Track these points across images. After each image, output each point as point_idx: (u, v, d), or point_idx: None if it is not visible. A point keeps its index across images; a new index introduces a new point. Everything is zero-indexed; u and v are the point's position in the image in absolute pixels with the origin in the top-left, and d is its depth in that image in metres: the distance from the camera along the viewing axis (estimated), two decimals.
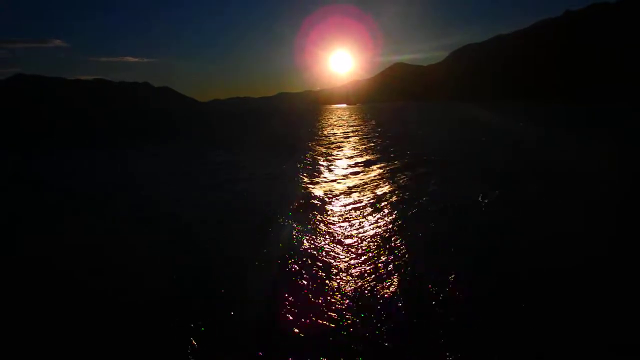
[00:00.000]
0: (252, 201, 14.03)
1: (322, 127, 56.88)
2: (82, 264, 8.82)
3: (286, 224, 11.23)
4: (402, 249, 9.01)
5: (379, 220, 11.20)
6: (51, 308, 6.98)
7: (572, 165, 18.45)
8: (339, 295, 7.05)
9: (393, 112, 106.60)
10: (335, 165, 21.53)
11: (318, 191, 15.25)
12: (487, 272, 7.80)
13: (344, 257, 8.77)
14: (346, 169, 20.35)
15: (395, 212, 11.97)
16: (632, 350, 5.42)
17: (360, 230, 10.53)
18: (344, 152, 27.49)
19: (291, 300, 6.96)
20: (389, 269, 8.02)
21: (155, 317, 6.60)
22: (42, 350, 5.89)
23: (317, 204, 13.36)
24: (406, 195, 13.90)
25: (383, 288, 7.23)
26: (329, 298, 6.98)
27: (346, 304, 6.77)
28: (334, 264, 8.42)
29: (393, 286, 7.29)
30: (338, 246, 9.43)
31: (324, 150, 28.93)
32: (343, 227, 10.85)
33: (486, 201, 12.78)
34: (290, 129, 56.86)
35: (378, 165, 20.61)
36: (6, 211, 13.96)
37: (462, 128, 44.96)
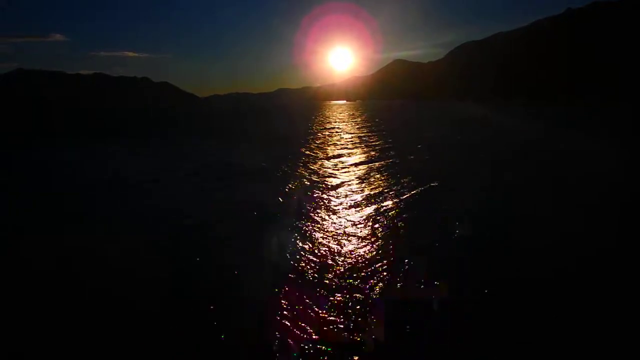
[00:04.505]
0: (252, 200, 14.08)
1: (321, 124, 56.78)
2: (75, 264, 8.91)
3: (283, 223, 11.32)
4: (398, 246, 9.12)
5: (373, 216, 11.31)
6: (49, 309, 7.06)
7: (571, 167, 18.52)
8: (336, 295, 7.15)
9: (393, 110, 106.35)
10: (333, 163, 21.59)
11: (315, 188, 15.32)
12: (487, 271, 7.89)
13: (340, 255, 8.86)
14: (344, 167, 20.42)
15: (391, 208, 12.07)
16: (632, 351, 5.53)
17: (357, 225, 10.60)
18: (342, 149, 27.53)
19: (288, 300, 7.06)
20: (386, 267, 8.13)
21: (153, 319, 6.69)
22: (42, 350, 5.99)
23: (314, 201, 13.44)
24: (403, 193, 14.00)
25: (378, 287, 7.34)
26: (325, 297, 7.09)
27: (344, 304, 6.87)
28: (330, 263, 8.51)
29: (391, 286, 7.40)
30: (333, 244, 9.51)
31: (321, 147, 29.00)
32: (340, 224, 10.92)
33: (486, 200, 12.87)
34: (289, 126, 56.73)
35: (375, 164, 20.69)
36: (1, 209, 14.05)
37: (462, 128, 44.95)
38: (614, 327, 6.02)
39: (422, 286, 7.43)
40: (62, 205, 14.31)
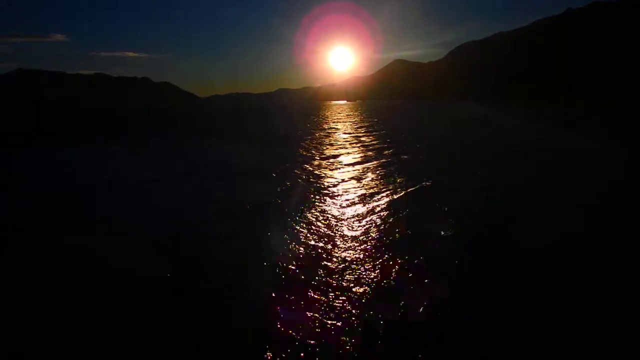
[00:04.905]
0: (252, 200, 14.07)
1: (321, 124, 56.76)
2: (75, 264, 8.90)
3: (283, 223, 11.32)
4: (397, 245, 9.12)
5: (373, 216, 11.30)
6: (49, 309, 7.06)
7: (571, 167, 18.52)
8: (334, 296, 7.15)
9: (393, 110, 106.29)
10: (332, 162, 21.59)
11: (315, 188, 15.31)
12: (487, 271, 7.88)
13: (340, 255, 8.86)
14: (343, 166, 20.42)
15: (391, 208, 12.06)
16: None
17: (357, 225, 10.59)
18: (341, 149, 27.53)
19: (287, 300, 7.06)
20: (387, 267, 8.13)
21: (153, 319, 6.69)
22: (42, 350, 5.99)
23: (313, 201, 13.44)
24: (399, 192, 14.01)
25: (379, 289, 7.34)
26: (324, 297, 7.09)
27: (343, 304, 6.87)
28: (330, 263, 8.51)
29: (391, 284, 7.40)
30: (334, 244, 9.50)
31: (320, 147, 29.00)
32: (340, 223, 10.92)
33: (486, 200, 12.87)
34: (289, 126, 56.67)
35: (373, 164, 20.69)
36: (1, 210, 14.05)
37: (462, 127, 44.95)
38: (614, 327, 6.02)
39: (421, 286, 7.43)
40: (62, 205, 14.30)
